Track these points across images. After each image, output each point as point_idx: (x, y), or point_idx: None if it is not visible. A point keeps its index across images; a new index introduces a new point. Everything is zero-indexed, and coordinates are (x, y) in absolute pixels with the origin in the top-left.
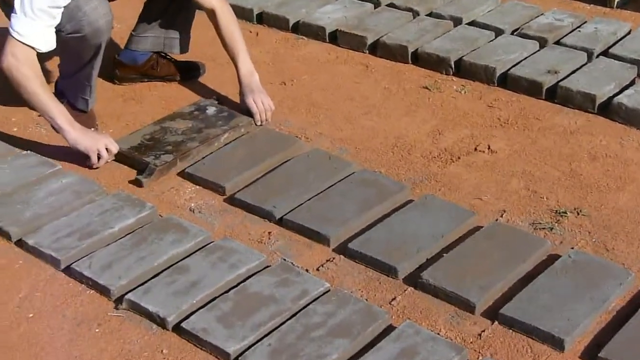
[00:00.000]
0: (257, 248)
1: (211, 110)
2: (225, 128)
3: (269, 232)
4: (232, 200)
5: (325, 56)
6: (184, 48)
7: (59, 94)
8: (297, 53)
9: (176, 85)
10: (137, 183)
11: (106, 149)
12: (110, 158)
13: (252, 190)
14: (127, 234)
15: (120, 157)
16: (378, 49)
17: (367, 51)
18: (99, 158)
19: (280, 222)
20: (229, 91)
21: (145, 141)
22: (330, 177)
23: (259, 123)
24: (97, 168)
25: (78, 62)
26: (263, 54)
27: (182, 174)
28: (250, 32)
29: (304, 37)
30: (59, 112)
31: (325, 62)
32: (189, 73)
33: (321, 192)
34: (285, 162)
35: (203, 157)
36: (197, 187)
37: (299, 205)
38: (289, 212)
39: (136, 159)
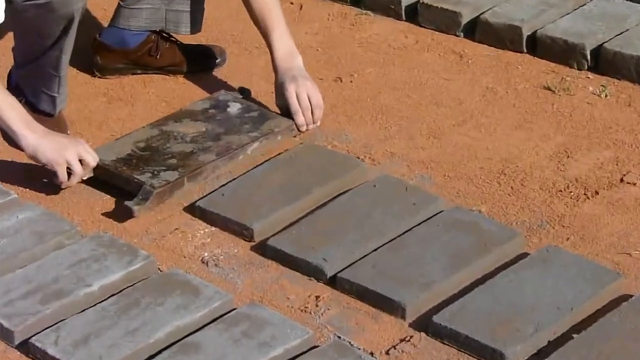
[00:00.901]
0: (300, 319)
1: (234, 107)
2: (255, 135)
3: (317, 297)
4: (263, 249)
5: (400, 40)
6: (195, 26)
7: (14, 90)
8: (359, 35)
9: (183, 79)
10: (125, 213)
11: (80, 160)
12: (86, 174)
13: (293, 234)
14: (112, 296)
15: (101, 173)
16: (478, 30)
17: (462, 34)
18: (69, 175)
19: (333, 281)
20: (261, 88)
21: (137, 151)
22: (406, 217)
23: (302, 127)
24: (65, 188)
25: (40, 43)
26: (309, 37)
27: (192, 209)
28: (292, 3)
29: (369, 11)
30: (11, 109)
31: (400, 49)
32: (200, 62)
33: (393, 239)
34: (341, 194)
35: (222, 185)
36: (213, 228)
37: (360, 258)
38: (346, 267)
39: (124, 177)
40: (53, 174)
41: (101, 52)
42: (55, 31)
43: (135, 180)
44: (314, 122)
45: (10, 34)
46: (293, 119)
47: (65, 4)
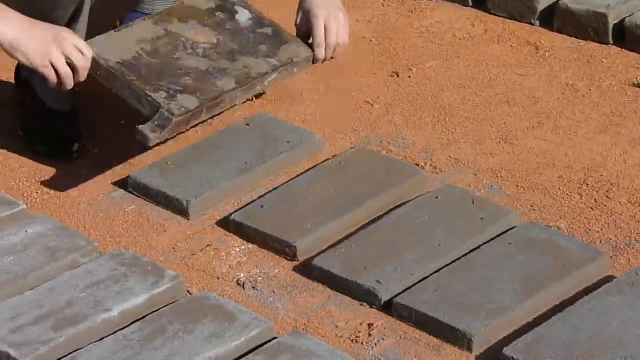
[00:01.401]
0: (350, 350)
1: (243, 15)
2: (274, 63)
3: (370, 325)
4: (307, 269)
5: (466, 29)
6: None
7: (23, 85)
8: (419, 23)
9: None
10: (140, 138)
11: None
12: (81, 72)
13: (342, 253)
14: (134, 322)
15: (102, 75)
16: (556, 18)
17: (538, 22)
18: (59, 77)
19: (389, 307)
20: (305, 83)
21: (144, 55)
22: (472, 233)
23: (319, 62)
24: (59, 86)
25: None
26: (361, 25)
27: (226, 222)
28: None
29: None
30: None
31: (465, 40)
32: None
33: (458, 258)
34: (398, 206)
35: (260, 196)
36: (251, 245)
37: (420, 281)
38: (403, 291)
39: (135, 91)
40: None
41: None
42: (63, 16)
43: (149, 98)
44: (332, 58)
45: None
46: (312, 49)
47: None
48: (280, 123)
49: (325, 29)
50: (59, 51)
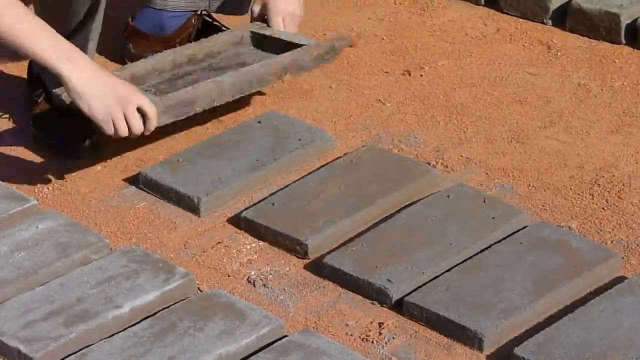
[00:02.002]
0: (360, 349)
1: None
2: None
3: (381, 324)
4: (318, 268)
5: (478, 28)
6: (242, 6)
7: (35, 82)
8: (431, 22)
9: None
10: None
11: (139, 112)
12: (146, 130)
13: (353, 251)
14: (145, 319)
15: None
16: (569, 17)
17: (550, 21)
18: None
19: (400, 306)
20: (318, 82)
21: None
22: (484, 233)
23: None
24: (120, 137)
25: (64, 27)
26: (373, 23)
27: (237, 220)
28: None
29: None
30: (50, 38)
31: (478, 39)
32: None
33: (469, 258)
34: (409, 205)
35: (272, 193)
36: (262, 243)
37: (431, 280)
38: (414, 290)
39: None
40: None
41: (134, 39)
42: (79, 12)
43: None
44: None
45: None
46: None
47: None
48: (292, 120)
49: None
50: (121, 111)
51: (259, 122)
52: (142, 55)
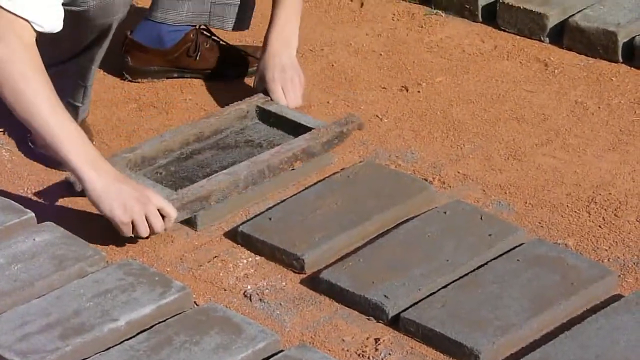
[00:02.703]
0: None
1: None
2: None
3: (377, 339)
4: (315, 283)
5: (475, 45)
6: (243, 22)
7: None
8: (429, 38)
9: (224, 85)
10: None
11: (160, 213)
12: (165, 228)
13: (350, 266)
14: (141, 332)
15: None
16: (566, 35)
17: (548, 39)
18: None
19: (396, 322)
20: (314, 97)
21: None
22: (481, 249)
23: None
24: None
25: (70, 50)
26: (371, 39)
27: (234, 234)
28: (351, 0)
29: (440, 11)
30: (75, 141)
31: (475, 55)
32: (243, 67)
33: (466, 274)
34: (406, 221)
35: (269, 208)
36: (258, 257)
37: (427, 296)
38: (411, 306)
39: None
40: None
41: (132, 52)
42: (87, 39)
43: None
44: None
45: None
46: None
47: (104, 14)
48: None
49: (282, 89)
50: (142, 212)
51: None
52: (140, 69)
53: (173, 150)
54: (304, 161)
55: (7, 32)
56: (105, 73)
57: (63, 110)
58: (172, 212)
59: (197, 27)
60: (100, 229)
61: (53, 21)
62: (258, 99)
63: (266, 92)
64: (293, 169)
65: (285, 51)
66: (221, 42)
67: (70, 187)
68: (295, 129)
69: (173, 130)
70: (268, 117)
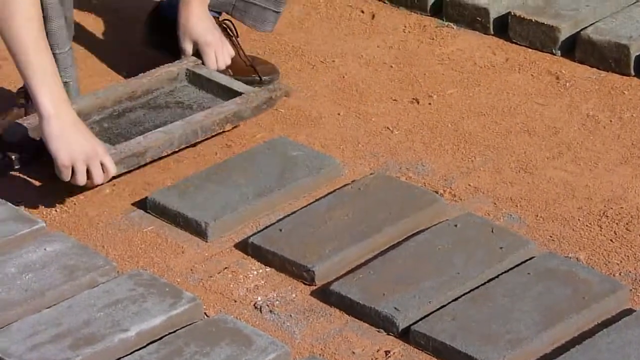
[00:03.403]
0: None
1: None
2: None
3: (387, 352)
4: (325, 295)
5: (487, 57)
6: (263, 23)
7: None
8: (440, 51)
9: None
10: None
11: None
12: (96, 183)
13: (360, 279)
14: (151, 343)
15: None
16: (578, 48)
17: (559, 52)
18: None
19: (406, 335)
20: (326, 109)
21: None
22: (491, 262)
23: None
24: (77, 186)
25: None
26: (382, 51)
27: (244, 245)
28: (362, 12)
29: (451, 23)
30: (48, 77)
31: (486, 68)
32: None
33: (476, 287)
34: (417, 233)
35: (279, 219)
36: (268, 268)
37: (438, 309)
38: (421, 319)
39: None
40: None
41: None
42: None
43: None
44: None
45: None
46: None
47: None
48: (300, 147)
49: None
50: (84, 164)
51: (268, 149)
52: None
53: (106, 107)
54: (234, 124)
55: None
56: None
57: (45, 44)
58: (112, 168)
59: (222, 20)
60: (111, 239)
61: None
62: (188, 62)
63: (197, 55)
64: (224, 131)
65: (205, 12)
66: (237, 47)
67: (9, 135)
68: (225, 93)
69: (106, 88)
70: (198, 80)
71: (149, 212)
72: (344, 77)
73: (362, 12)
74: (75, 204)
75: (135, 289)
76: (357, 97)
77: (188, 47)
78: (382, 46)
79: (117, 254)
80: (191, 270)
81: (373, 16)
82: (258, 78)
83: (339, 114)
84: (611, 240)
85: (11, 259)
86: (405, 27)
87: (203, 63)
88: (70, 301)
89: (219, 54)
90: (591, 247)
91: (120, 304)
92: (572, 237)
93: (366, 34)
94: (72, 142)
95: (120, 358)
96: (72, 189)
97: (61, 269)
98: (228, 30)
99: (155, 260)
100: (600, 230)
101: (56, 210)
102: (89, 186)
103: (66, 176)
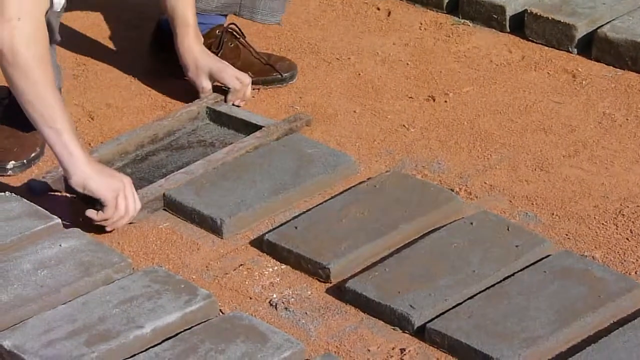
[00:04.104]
0: None
1: None
2: None
3: (402, 350)
4: (340, 292)
5: (503, 55)
6: (273, 15)
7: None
8: (456, 48)
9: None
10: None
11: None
12: (133, 218)
13: (376, 276)
14: (166, 340)
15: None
16: (594, 46)
17: (576, 50)
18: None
19: (422, 332)
20: (341, 107)
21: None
22: (507, 260)
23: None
24: (110, 230)
25: None
26: (398, 49)
27: (260, 243)
28: (378, 9)
29: (467, 21)
30: (69, 123)
31: (502, 66)
32: (262, 74)
33: (492, 286)
34: (432, 231)
35: (294, 217)
36: (284, 266)
37: (453, 307)
38: (437, 317)
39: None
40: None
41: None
42: None
43: None
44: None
45: None
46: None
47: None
48: (316, 144)
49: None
50: (123, 196)
51: (284, 146)
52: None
53: (128, 152)
54: None
55: (13, 6)
56: (132, 79)
57: (57, 91)
58: (138, 204)
59: (226, 25)
60: (126, 236)
61: None
62: (207, 100)
63: (218, 91)
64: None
65: (200, 41)
66: (247, 47)
67: (34, 190)
68: (246, 127)
69: (128, 132)
70: (219, 117)
71: (164, 209)
72: (359, 74)
73: (378, 9)
74: (76, 200)
75: (151, 286)
76: (372, 94)
77: (206, 84)
78: (398, 43)
79: (132, 250)
80: (206, 267)
81: (389, 13)
82: (279, 75)
83: (354, 112)
84: (627, 238)
85: (26, 255)
86: (421, 24)
87: (225, 97)
88: (85, 297)
89: (234, 71)
90: (607, 246)
91: (136, 301)
92: (588, 236)
93: (382, 32)
94: (107, 178)
95: (135, 355)
96: (102, 231)
97: (76, 266)
98: (234, 33)
99: (170, 257)
100: (616, 229)
101: (72, 207)
102: (120, 225)
103: (112, 211)
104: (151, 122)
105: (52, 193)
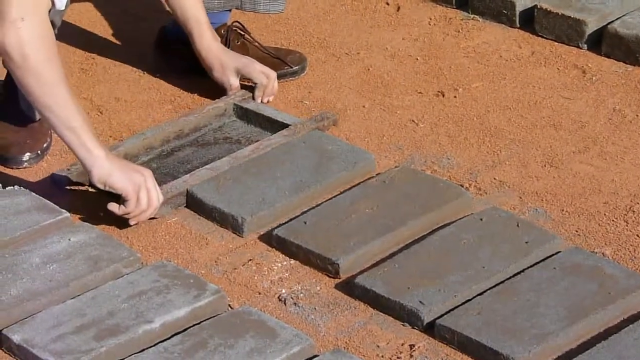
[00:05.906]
0: None
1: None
2: None
3: (412, 346)
4: (350, 288)
5: (513, 51)
6: (276, 4)
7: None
8: (466, 43)
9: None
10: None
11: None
12: (156, 210)
13: (385, 272)
14: (175, 335)
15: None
16: (604, 42)
17: (586, 45)
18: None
19: (431, 329)
20: (350, 102)
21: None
22: (517, 257)
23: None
24: (133, 225)
25: None
26: (407, 44)
27: (269, 237)
28: (388, 4)
29: (477, 16)
30: (85, 121)
31: (512, 61)
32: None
33: (502, 282)
34: (442, 227)
35: (304, 212)
36: (293, 261)
37: (463, 303)
38: (446, 313)
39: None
40: (117, 203)
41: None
42: None
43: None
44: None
45: None
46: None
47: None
48: (336, 141)
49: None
50: (145, 189)
51: (304, 142)
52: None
53: (154, 148)
54: None
55: (20, 9)
56: (140, 74)
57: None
58: (161, 196)
59: (231, 24)
60: (135, 230)
61: None
62: (235, 97)
63: (244, 87)
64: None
65: (218, 39)
66: (254, 43)
67: (58, 183)
68: (272, 125)
69: (154, 128)
70: (245, 115)
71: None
72: (369, 69)
73: (387, 4)
74: (99, 194)
75: (160, 280)
76: (382, 89)
77: (234, 82)
78: (408, 38)
79: (141, 245)
80: (215, 262)
81: (398, 8)
82: (290, 68)
83: (363, 107)
84: (637, 235)
85: (35, 249)
86: (430, 19)
87: (252, 94)
88: (94, 292)
89: (260, 66)
90: (617, 242)
91: (145, 295)
92: (598, 232)
93: (391, 26)
94: (128, 173)
95: (144, 349)
96: (126, 224)
97: (85, 260)
98: (239, 30)
99: (179, 251)
100: (627, 225)
101: (81, 201)
102: (144, 218)
103: (133, 205)
104: (177, 118)
105: (74, 187)
